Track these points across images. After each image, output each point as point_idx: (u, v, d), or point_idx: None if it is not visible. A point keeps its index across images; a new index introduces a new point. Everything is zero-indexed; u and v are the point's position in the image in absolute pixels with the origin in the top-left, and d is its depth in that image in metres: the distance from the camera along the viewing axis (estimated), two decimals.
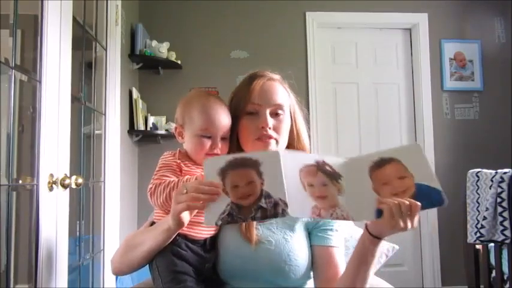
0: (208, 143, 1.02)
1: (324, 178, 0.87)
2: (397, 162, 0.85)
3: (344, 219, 0.86)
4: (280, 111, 1.08)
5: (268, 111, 1.07)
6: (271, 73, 1.15)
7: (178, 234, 0.96)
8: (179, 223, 0.88)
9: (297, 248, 1.00)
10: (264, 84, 1.09)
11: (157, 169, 1.01)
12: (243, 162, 0.86)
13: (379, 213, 0.83)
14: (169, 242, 0.95)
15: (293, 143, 1.14)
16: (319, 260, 1.03)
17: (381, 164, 0.87)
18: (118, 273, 1.08)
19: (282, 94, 1.11)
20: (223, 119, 1.04)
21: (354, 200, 0.86)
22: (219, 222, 0.84)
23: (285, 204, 0.81)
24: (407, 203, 0.81)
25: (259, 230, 1.02)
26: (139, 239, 1.00)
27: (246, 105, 1.07)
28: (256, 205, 0.83)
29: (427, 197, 0.83)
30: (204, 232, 1.00)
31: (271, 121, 1.06)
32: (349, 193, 0.86)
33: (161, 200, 0.95)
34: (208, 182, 0.83)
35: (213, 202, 0.83)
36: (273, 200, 0.82)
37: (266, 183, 0.84)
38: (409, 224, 0.82)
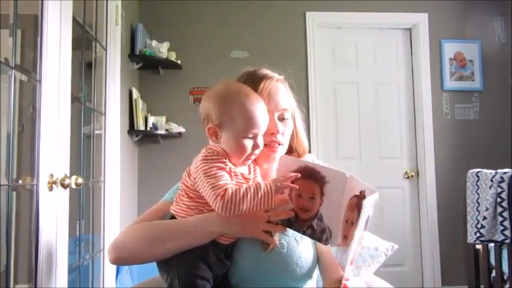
0: (251, 144, 0.95)
1: (355, 215, 0.83)
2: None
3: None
4: (286, 115, 1.06)
5: (276, 116, 1.04)
6: (273, 73, 1.10)
7: None
8: (247, 235, 0.92)
9: (307, 248, 1.00)
10: (271, 88, 1.05)
11: (206, 169, 0.90)
12: (312, 173, 0.87)
13: None
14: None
15: (292, 143, 1.12)
16: (321, 256, 1.02)
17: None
18: (124, 262, 1.04)
19: (287, 96, 1.08)
20: (266, 117, 0.97)
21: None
22: (279, 222, 0.91)
23: (331, 235, 0.84)
24: None
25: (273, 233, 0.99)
26: (170, 233, 0.94)
27: None
28: (309, 222, 0.86)
29: None
30: (231, 237, 0.96)
31: (281, 127, 1.04)
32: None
33: (243, 208, 0.86)
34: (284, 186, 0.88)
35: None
36: (322, 225, 0.85)
37: (324, 206, 0.85)
38: None
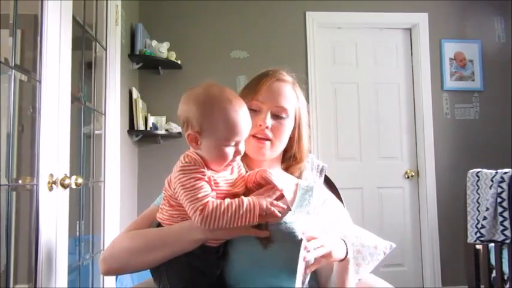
0: (233, 151, 0.92)
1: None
2: None
3: None
4: (283, 115, 1.06)
5: (270, 111, 1.04)
6: (284, 74, 1.11)
7: None
8: (236, 235, 0.92)
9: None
10: (272, 84, 1.06)
11: (184, 181, 0.87)
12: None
13: None
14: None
15: (292, 148, 1.12)
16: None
17: None
18: (115, 273, 1.04)
19: (290, 97, 1.08)
20: (248, 122, 0.94)
21: None
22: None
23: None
24: None
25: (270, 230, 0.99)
26: (156, 242, 0.94)
27: (250, 102, 1.04)
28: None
29: None
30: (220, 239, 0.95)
31: (270, 121, 1.04)
32: None
33: (222, 224, 0.85)
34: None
35: None
36: None
37: None
38: None
